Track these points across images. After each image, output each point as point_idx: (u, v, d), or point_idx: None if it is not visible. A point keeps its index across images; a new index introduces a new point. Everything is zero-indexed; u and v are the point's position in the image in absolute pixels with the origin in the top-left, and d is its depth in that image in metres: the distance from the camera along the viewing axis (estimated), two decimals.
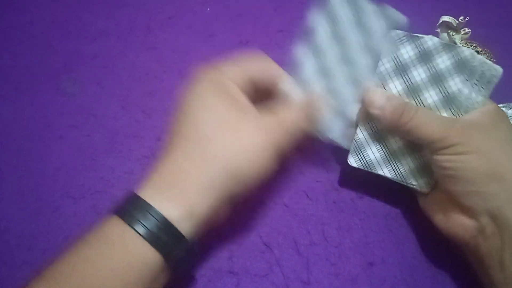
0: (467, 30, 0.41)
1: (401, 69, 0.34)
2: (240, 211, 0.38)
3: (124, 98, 0.44)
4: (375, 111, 0.33)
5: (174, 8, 0.51)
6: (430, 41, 0.34)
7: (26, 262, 0.35)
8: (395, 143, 0.35)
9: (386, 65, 0.34)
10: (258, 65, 0.35)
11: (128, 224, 0.27)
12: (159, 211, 0.27)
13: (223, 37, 0.49)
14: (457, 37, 0.42)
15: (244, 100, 0.32)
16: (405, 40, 0.34)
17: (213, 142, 0.30)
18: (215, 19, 0.50)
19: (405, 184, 0.35)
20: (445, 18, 0.41)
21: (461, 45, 0.42)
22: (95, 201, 0.38)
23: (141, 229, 0.27)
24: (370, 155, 0.35)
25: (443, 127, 0.31)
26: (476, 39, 0.42)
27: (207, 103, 0.31)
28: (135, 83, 0.45)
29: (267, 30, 0.49)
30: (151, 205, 0.27)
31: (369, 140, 0.36)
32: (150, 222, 0.27)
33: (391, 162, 0.35)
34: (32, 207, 0.38)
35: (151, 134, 0.42)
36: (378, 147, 0.35)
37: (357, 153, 0.36)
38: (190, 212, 0.28)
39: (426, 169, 0.34)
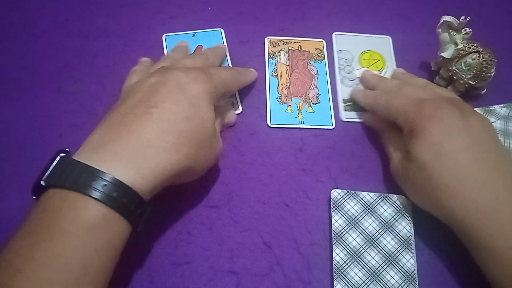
0: (468, 30, 0.41)
1: (353, 222, 0.36)
2: (240, 211, 0.38)
3: None
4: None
5: (175, 7, 0.51)
6: (367, 195, 0.37)
7: None
8: (372, 258, 0.35)
9: (339, 221, 0.36)
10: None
11: (83, 192, 0.26)
12: (110, 173, 0.27)
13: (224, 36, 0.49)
14: (458, 37, 0.42)
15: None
16: (347, 197, 0.37)
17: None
18: (216, 18, 0.50)
19: None
20: (446, 18, 0.41)
21: (462, 45, 0.42)
22: None
23: (97, 194, 0.26)
24: (355, 277, 0.34)
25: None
26: (477, 39, 0.42)
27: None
28: None
29: (267, 30, 0.49)
30: (99, 169, 0.27)
31: (349, 261, 0.35)
32: (104, 186, 0.27)
33: (376, 278, 0.34)
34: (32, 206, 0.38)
35: None
36: (359, 266, 0.34)
37: (341, 278, 0.34)
38: (143, 171, 0.29)
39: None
